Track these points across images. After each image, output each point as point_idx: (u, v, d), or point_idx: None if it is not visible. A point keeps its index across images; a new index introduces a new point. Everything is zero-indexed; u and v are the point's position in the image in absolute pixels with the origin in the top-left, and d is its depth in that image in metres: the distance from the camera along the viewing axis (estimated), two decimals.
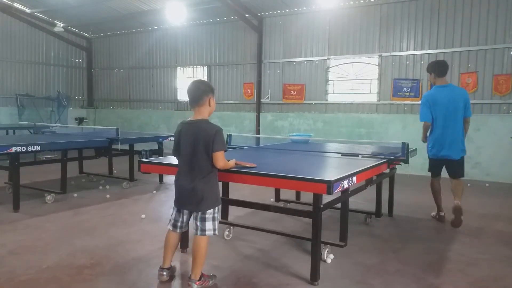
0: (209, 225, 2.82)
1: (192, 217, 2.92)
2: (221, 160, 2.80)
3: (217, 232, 2.87)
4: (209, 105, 2.84)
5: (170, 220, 2.99)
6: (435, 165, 4.92)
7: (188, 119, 2.86)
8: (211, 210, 2.83)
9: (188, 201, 2.83)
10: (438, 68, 4.76)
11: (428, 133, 4.87)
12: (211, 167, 2.81)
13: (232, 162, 3.01)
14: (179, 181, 2.87)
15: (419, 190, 6.41)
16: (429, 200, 5.59)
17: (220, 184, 3.92)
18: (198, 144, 2.76)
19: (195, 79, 3.04)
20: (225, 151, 2.85)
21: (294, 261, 3.48)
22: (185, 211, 2.93)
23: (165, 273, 2.98)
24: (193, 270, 2.82)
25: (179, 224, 2.95)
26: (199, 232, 2.82)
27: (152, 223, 4.60)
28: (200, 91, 2.81)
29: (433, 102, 4.68)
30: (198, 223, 2.82)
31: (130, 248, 3.72)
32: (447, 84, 4.76)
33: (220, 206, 2.93)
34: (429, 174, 5.09)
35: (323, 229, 3.11)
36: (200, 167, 2.78)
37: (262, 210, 3.79)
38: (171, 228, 2.97)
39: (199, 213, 2.82)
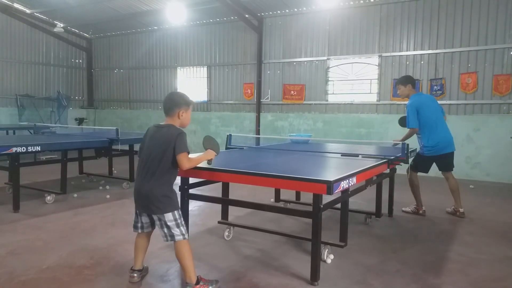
0: (176, 231, 2.77)
1: (156, 224, 2.85)
2: (185, 161, 2.76)
3: (186, 236, 2.80)
4: (179, 118, 2.84)
5: None
6: (429, 162, 5.13)
7: (159, 123, 2.90)
8: (170, 217, 2.76)
9: (144, 204, 2.80)
10: (412, 80, 5.23)
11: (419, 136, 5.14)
12: (168, 171, 2.77)
13: (210, 154, 2.99)
14: (136, 183, 2.85)
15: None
16: (429, 200, 5.60)
17: (220, 184, 3.96)
18: (157, 147, 2.76)
19: (173, 91, 3.00)
20: (188, 153, 2.80)
21: (294, 261, 3.48)
22: (143, 214, 2.89)
23: (135, 274, 2.98)
24: (185, 275, 2.81)
25: (139, 225, 2.94)
26: (169, 238, 2.78)
27: None
28: (171, 103, 2.84)
29: (421, 107, 5.00)
30: (165, 230, 2.78)
31: (130, 248, 3.70)
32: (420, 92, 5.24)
33: (179, 212, 2.83)
34: (430, 173, 5.18)
35: (323, 229, 3.11)
36: (156, 169, 2.75)
37: (262, 210, 3.79)
38: (133, 229, 2.98)
39: (161, 220, 2.77)
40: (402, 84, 5.17)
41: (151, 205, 2.76)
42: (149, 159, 2.78)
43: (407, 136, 5.04)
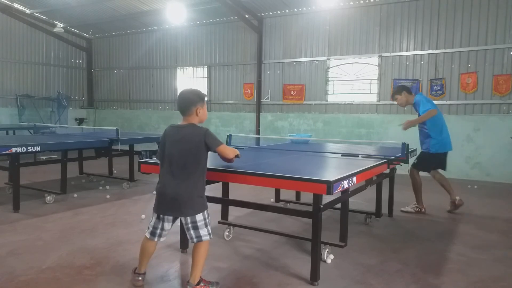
0: (203, 231, 2.76)
1: (185, 227, 2.80)
2: (229, 151, 2.85)
3: (211, 236, 2.82)
4: (197, 115, 2.80)
5: (148, 228, 2.89)
6: (434, 160, 5.21)
7: (177, 124, 2.85)
8: (201, 217, 2.75)
9: (173, 207, 2.74)
10: (406, 87, 5.38)
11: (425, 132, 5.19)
12: (201, 171, 2.78)
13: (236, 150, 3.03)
14: (164, 187, 2.77)
15: None
16: (430, 200, 5.60)
17: (220, 184, 3.96)
18: (186, 148, 2.72)
19: (187, 87, 2.95)
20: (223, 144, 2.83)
21: (294, 261, 3.48)
22: (167, 218, 2.81)
23: (140, 278, 2.93)
24: (192, 273, 2.78)
25: (158, 231, 2.84)
26: (195, 239, 2.77)
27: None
28: (187, 102, 2.79)
29: (430, 102, 5.19)
30: (192, 232, 2.75)
31: (130, 248, 3.72)
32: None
33: (208, 210, 2.83)
34: (424, 172, 5.28)
35: (323, 229, 3.11)
36: (188, 171, 2.72)
37: (262, 210, 3.79)
38: (148, 236, 2.87)
39: (189, 221, 2.74)
40: (397, 94, 5.31)
41: (183, 207, 2.72)
42: (177, 162, 2.73)
43: (425, 117, 4.99)
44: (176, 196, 2.72)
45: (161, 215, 2.81)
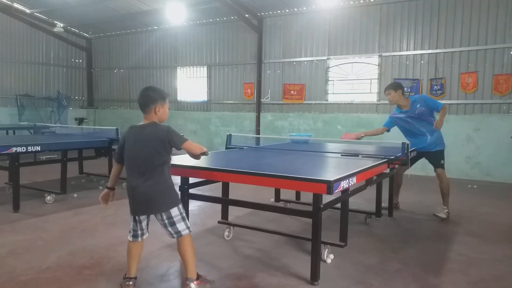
0: (181, 226, 2.77)
1: (161, 224, 2.81)
2: (193, 147, 2.80)
3: (191, 229, 2.82)
4: (156, 114, 2.79)
5: (129, 231, 2.85)
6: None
7: (137, 124, 2.83)
8: (176, 212, 2.76)
9: (146, 206, 2.75)
10: (403, 87, 5.14)
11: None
12: (165, 167, 2.76)
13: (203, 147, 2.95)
14: (134, 187, 2.73)
15: (419, 190, 6.40)
16: (429, 200, 5.59)
17: (220, 184, 3.96)
18: (148, 147, 2.70)
19: (147, 86, 2.95)
20: (186, 140, 2.79)
21: (294, 261, 3.47)
22: (142, 217, 2.81)
23: (131, 282, 2.84)
24: (187, 269, 2.81)
25: (138, 233, 2.83)
26: (175, 235, 2.78)
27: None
28: (146, 99, 2.79)
29: None
30: (170, 228, 2.77)
31: None
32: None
33: (181, 204, 2.84)
34: (430, 174, 5.14)
35: (323, 229, 3.10)
36: (153, 169, 2.70)
37: (262, 210, 3.79)
38: (131, 239, 2.84)
39: (164, 217, 2.75)
40: (393, 89, 5.00)
41: (156, 205, 2.72)
42: (142, 161, 2.70)
43: (445, 114, 4.87)
44: (147, 195, 2.70)
45: (136, 217, 2.81)
